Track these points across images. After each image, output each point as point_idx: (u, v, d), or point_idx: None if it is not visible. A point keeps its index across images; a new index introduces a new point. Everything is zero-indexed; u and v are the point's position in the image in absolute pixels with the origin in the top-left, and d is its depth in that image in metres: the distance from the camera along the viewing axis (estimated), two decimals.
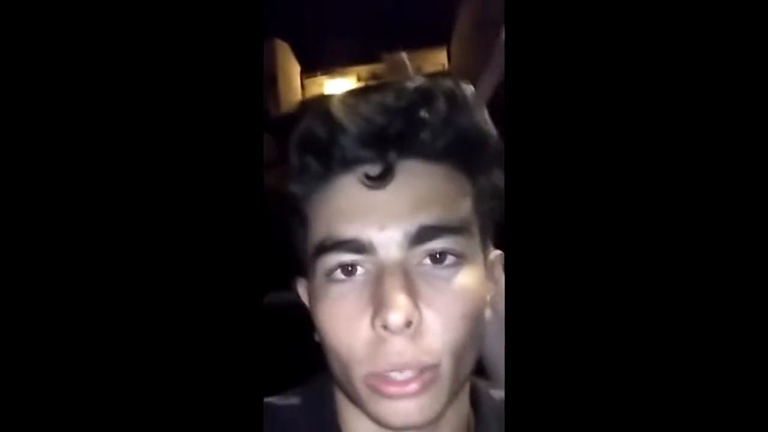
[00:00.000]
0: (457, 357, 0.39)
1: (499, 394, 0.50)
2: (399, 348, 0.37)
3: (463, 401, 0.45)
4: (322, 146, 0.40)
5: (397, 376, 0.38)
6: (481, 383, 0.50)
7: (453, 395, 0.40)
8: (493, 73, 0.59)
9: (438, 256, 0.39)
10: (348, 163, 0.39)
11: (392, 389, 0.38)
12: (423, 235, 0.38)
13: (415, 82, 0.41)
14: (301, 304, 0.47)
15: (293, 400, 0.48)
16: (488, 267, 0.44)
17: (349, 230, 0.38)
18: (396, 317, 0.36)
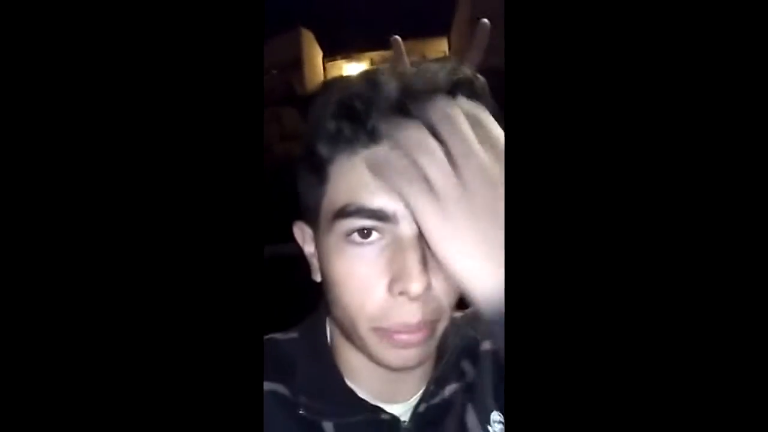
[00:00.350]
0: (450, 312, 0.43)
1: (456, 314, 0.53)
2: (412, 310, 0.40)
3: None
4: (357, 115, 0.40)
5: (404, 329, 0.41)
6: None
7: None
8: (477, 54, 0.58)
9: None
10: (376, 136, 0.40)
11: (400, 340, 0.41)
12: None
13: (444, 68, 0.41)
14: (297, 256, 0.49)
15: (292, 334, 0.53)
16: None
17: (374, 200, 0.39)
18: (417, 287, 0.38)
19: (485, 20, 0.59)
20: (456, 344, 0.51)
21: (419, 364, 0.43)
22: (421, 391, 0.50)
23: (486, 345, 0.54)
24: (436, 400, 0.49)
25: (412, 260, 0.39)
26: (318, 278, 0.46)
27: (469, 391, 0.51)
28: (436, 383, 0.49)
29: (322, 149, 0.42)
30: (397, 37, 0.53)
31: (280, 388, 0.48)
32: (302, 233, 0.49)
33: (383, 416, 0.47)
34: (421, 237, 0.39)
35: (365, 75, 0.43)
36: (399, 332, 0.41)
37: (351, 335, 0.45)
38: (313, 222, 0.46)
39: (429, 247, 0.35)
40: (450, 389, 0.50)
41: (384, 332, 0.41)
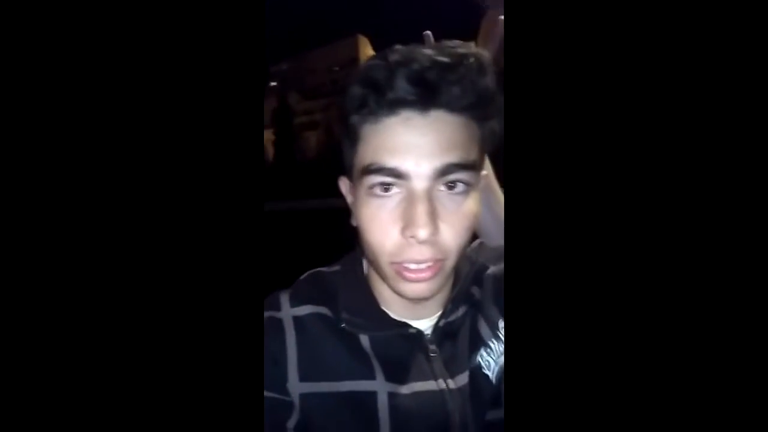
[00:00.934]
0: (458, 253, 0.46)
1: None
2: (420, 249, 0.44)
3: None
4: (380, 86, 0.43)
5: (414, 266, 0.45)
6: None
7: (450, 274, 0.49)
8: (482, 44, 0.63)
9: (451, 184, 0.44)
10: (395, 105, 0.43)
11: (411, 275, 0.45)
12: (446, 170, 0.43)
13: (453, 47, 0.44)
14: (295, 211, 2.94)
15: (335, 267, 0.59)
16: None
17: (391, 160, 0.43)
18: (423, 233, 0.42)
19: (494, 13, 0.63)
20: (467, 271, 0.55)
21: (431, 295, 0.47)
22: (440, 311, 0.54)
23: (490, 269, 0.57)
24: (453, 317, 0.53)
25: (421, 211, 0.42)
26: (355, 223, 0.49)
27: (479, 308, 0.55)
28: (452, 304, 0.53)
29: (353, 117, 0.45)
30: (428, 32, 0.58)
31: (324, 310, 0.53)
32: (345, 186, 0.53)
33: (410, 330, 0.52)
34: (430, 191, 0.43)
35: (386, 55, 0.44)
36: (410, 269, 0.45)
37: (376, 268, 0.49)
38: (350, 177, 0.49)
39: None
40: (463, 309, 0.55)
41: (398, 266, 0.45)
